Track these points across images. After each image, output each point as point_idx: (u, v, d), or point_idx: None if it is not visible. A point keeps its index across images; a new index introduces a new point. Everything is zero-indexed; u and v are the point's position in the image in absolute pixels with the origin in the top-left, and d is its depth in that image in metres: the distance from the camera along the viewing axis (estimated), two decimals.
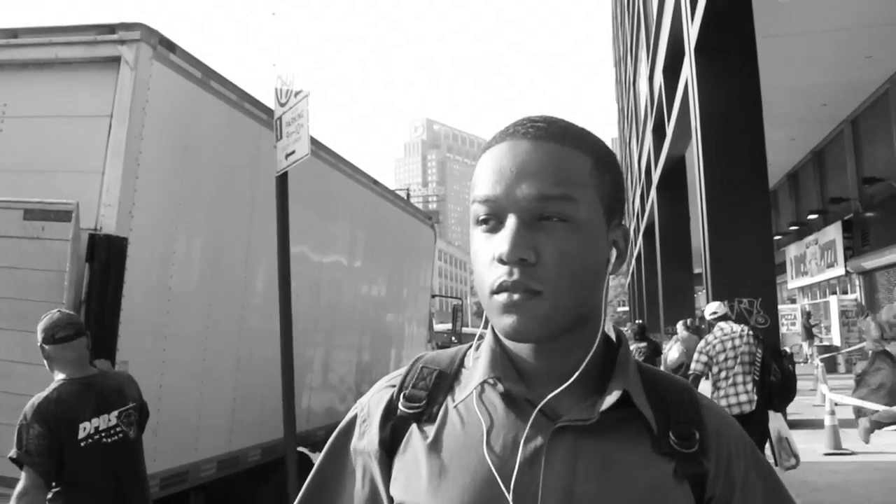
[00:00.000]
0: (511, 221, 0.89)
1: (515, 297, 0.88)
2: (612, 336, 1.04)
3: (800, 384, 13.72)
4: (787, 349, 7.04)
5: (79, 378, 3.17)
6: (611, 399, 0.93)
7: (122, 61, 3.69)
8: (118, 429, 3.26)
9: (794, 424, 9.84)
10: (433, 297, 11.36)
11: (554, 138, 0.93)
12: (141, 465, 3.42)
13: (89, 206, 3.66)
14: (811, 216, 20.89)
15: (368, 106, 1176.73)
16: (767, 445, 6.07)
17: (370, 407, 1.04)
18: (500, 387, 0.94)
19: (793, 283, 24.82)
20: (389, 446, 0.99)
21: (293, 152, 4.03)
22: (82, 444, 3.12)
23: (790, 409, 10.15)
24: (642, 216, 33.48)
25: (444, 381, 1.01)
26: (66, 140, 3.86)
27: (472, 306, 65.17)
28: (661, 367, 14.71)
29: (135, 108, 3.68)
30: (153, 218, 4.05)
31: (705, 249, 10.90)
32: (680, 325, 9.53)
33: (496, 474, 0.90)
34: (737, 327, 6.27)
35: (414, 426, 0.98)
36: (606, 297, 0.98)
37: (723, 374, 6.04)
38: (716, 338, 6.21)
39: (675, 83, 14.87)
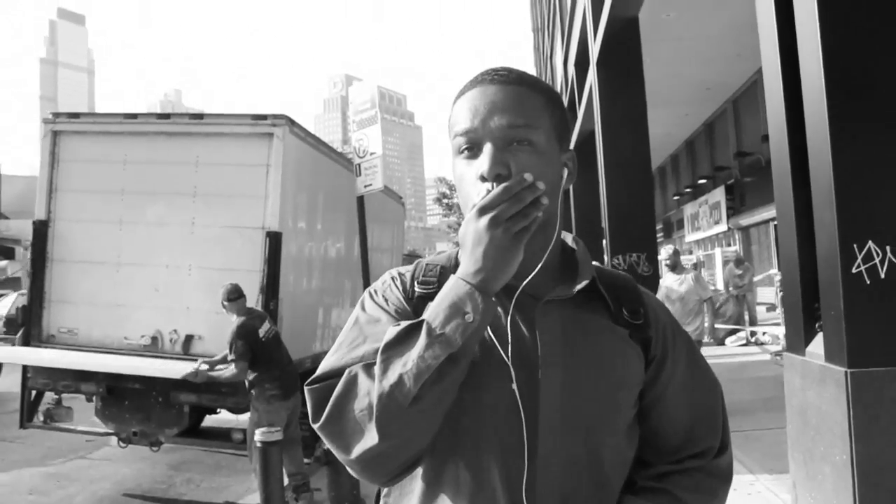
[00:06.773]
0: (487, 147, 1.09)
1: None
2: (569, 241, 1.28)
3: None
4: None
5: (245, 316, 5.84)
6: (584, 282, 1.18)
7: (274, 136, 6.44)
8: (273, 329, 5.99)
9: None
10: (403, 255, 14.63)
11: (515, 82, 1.13)
12: (286, 349, 6.15)
13: (258, 216, 6.43)
14: (701, 180, 23.36)
15: (288, 57, 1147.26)
16: None
17: (388, 285, 1.24)
18: None
19: (689, 236, 27.09)
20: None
21: (370, 185, 7.00)
22: (263, 340, 5.82)
23: None
24: None
25: (446, 273, 1.18)
26: (241, 178, 6.51)
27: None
28: None
29: (284, 162, 6.44)
30: (291, 221, 6.81)
31: (605, 214, 13.06)
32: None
33: (494, 340, 1.11)
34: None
35: (429, 303, 1.11)
36: (560, 208, 1.16)
37: None
38: None
39: (584, 79, 16.34)
